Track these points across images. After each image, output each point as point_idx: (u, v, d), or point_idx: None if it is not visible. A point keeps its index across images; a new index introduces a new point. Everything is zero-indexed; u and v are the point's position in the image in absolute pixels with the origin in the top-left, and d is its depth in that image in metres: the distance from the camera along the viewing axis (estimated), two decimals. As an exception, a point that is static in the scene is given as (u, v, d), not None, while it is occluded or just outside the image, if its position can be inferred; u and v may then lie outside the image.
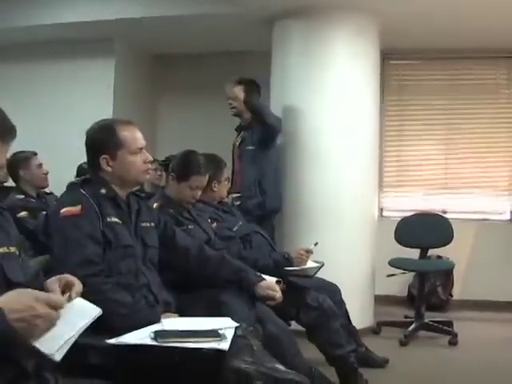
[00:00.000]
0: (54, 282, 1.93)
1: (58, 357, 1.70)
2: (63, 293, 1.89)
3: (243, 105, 5.29)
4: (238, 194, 5.16)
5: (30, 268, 2.13)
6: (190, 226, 3.54)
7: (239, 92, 5.30)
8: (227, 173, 4.30)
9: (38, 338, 1.66)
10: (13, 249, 1.99)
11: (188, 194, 3.63)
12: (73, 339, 1.75)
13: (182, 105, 7.35)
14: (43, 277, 2.09)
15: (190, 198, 3.65)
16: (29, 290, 1.72)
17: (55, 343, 1.70)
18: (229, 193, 5.03)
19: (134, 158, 2.73)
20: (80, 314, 1.82)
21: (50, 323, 1.66)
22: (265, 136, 5.20)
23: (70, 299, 1.85)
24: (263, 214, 5.06)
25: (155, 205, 3.47)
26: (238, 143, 5.43)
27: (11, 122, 1.98)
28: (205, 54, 6.99)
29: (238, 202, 5.07)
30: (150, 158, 2.81)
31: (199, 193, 3.69)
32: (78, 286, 1.93)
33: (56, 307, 1.69)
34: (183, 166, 3.65)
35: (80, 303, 1.87)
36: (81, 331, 1.78)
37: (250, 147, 5.28)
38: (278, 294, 2.99)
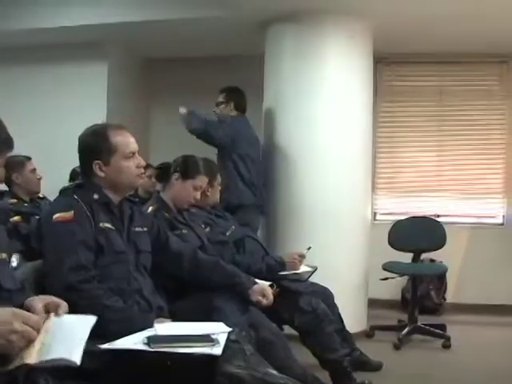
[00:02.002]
0: (36, 300, 1.92)
1: (77, 359, 1.71)
2: (47, 312, 1.87)
3: (223, 111, 5.52)
4: None
5: (18, 276, 2.13)
6: (184, 231, 3.55)
7: (221, 99, 5.56)
8: (220, 178, 4.30)
9: (15, 354, 1.66)
10: (4, 255, 1.99)
11: (191, 193, 3.68)
12: (83, 343, 1.77)
13: (176, 108, 7.32)
14: (28, 288, 2.10)
15: (191, 198, 3.70)
16: (9, 308, 1.71)
17: (73, 350, 1.72)
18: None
19: (127, 163, 2.72)
20: (80, 322, 1.86)
21: (26, 340, 1.66)
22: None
23: (57, 315, 1.86)
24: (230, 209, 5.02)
25: (150, 208, 3.48)
26: None
27: (8, 133, 1.97)
28: (198, 58, 6.99)
29: None
30: (143, 163, 2.80)
31: (199, 195, 3.72)
32: (65, 306, 1.90)
33: (33, 326, 1.68)
34: (189, 165, 3.71)
35: (73, 316, 1.90)
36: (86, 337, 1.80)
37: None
38: (268, 300, 2.99)
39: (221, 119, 5.52)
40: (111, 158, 2.69)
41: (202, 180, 3.72)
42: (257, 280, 3.14)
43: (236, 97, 5.53)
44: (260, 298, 2.98)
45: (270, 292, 3.03)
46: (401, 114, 7.08)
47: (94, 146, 2.70)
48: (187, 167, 3.69)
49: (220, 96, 5.56)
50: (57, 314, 1.83)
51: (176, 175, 3.67)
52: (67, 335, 1.77)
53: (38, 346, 1.69)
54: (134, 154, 2.75)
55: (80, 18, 5.95)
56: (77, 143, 2.76)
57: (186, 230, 3.57)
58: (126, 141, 2.74)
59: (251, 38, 5.86)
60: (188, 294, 3.08)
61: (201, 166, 3.74)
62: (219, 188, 4.28)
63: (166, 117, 7.34)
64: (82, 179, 2.79)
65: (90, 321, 1.87)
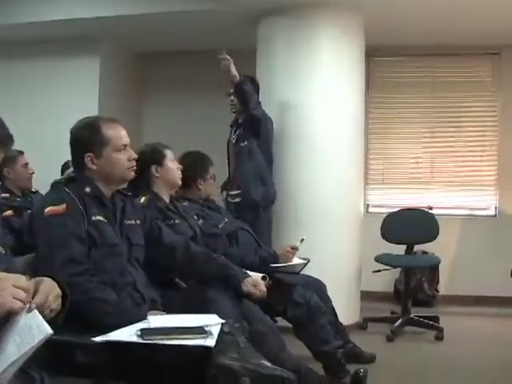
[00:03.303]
0: (30, 283, 1.79)
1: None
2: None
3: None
4: (238, 191, 5.17)
5: (17, 268, 2.11)
6: (177, 221, 3.54)
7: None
8: (213, 171, 4.30)
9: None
10: (-1, 248, 1.98)
11: (174, 169, 3.68)
12: (18, 362, 1.61)
13: (168, 102, 7.34)
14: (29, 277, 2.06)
15: (178, 171, 3.70)
16: None
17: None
18: (223, 189, 5.05)
19: (119, 156, 2.73)
20: (28, 333, 1.63)
21: (14, 301, 1.60)
22: (249, 126, 5.21)
23: (29, 310, 1.65)
24: (265, 206, 5.06)
25: (143, 199, 3.46)
26: (234, 141, 5.42)
27: (8, 131, 1.97)
28: (190, 52, 6.98)
29: (237, 199, 5.09)
30: (135, 156, 2.80)
31: (178, 164, 3.74)
32: (40, 296, 1.71)
33: (23, 289, 1.63)
34: (154, 153, 3.67)
35: (32, 320, 1.65)
36: (26, 355, 1.61)
37: (244, 143, 5.29)
38: (262, 292, 3.00)
39: (236, 110, 5.36)
40: (103, 150, 2.69)
41: (170, 153, 3.71)
42: (249, 272, 3.14)
43: (257, 87, 5.36)
44: (252, 288, 2.98)
45: (263, 285, 3.04)
46: (393, 107, 7.10)
47: (86, 138, 2.70)
48: (154, 155, 3.66)
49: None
50: (28, 309, 1.66)
51: (153, 168, 3.64)
52: (7, 347, 1.61)
53: None
54: (125, 146, 2.76)
55: (72, 11, 5.94)
56: (68, 137, 2.76)
57: (179, 220, 3.57)
58: (118, 133, 2.75)
59: (243, 32, 5.85)
60: (181, 287, 3.08)
61: (159, 144, 3.72)
62: (212, 181, 4.27)
63: (159, 111, 7.36)
64: (74, 172, 2.79)
65: (39, 336, 1.62)
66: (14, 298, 1.60)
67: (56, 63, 6.62)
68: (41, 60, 6.65)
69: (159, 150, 3.68)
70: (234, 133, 5.38)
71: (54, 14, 5.98)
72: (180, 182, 3.74)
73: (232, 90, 5.25)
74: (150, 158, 3.60)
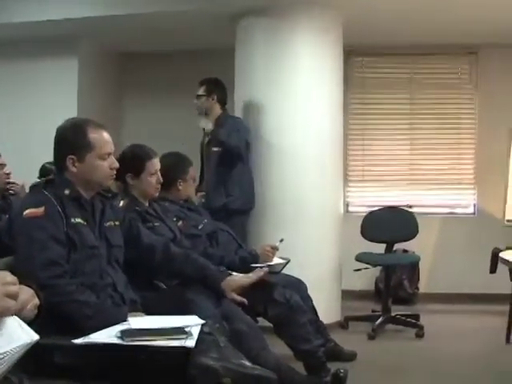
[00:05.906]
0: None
1: None
2: None
3: (205, 104, 5.36)
4: (204, 193, 5.20)
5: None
6: (156, 224, 3.54)
7: (201, 92, 5.41)
8: (193, 172, 4.30)
9: None
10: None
11: (152, 181, 3.61)
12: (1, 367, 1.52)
13: (148, 104, 7.31)
14: None
15: (156, 183, 3.63)
16: None
17: None
18: (197, 191, 5.05)
19: (101, 163, 2.72)
20: (10, 335, 1.55)
21: (7, 300, 1.55)
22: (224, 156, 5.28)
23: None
24: (228, 214, 5.08)
25: (122, 202, 3.45)
26: (205, 143, 5.46)
27: None
28: (170, 53, 6.97)
29: (203, 200, 5.11)
30: (116, 165, 2.79)
31: (160, 177, 3.67)
32: (16, 306, 1.63)
33: (13, 284, 1.57)
34: (133, 160, 3.60)
35: (15, 324, 1.58)
36: (9, 359, 1.53)
37: (216, 149, 5.32)
38: (253, 277, 3.01)
39: (200, 112, 5.46)
40: (86, 155, 2.68)
41: (153, 164, 3.62)
42: (231, 272, 3.15)
43: (218, 89, 5.42)
44: (234, 294, 2.99)
45: (244, 280, 3.06)
46: (371, 106, 7.13)
47: (72, 140, 2.69)
48: (133, 164, 3.59)
49: (200, 88, 5.43)
50: None
51: (129, 176, 3.60)
52: None
53: None
54: (109, 154, 2.75)
55: (50, 12, 5.90)
56: (48, 139, 2.75)
57: (158, 222, 3.56)
58: (104, 140, 2.73)
59: (222, 33, 5.86)
60: (161, 288, 3.08)
61: (143, 153, 3.63)
62: (192, 182, 4.27)
63: (138, 112, 7.32)
64: (54, 173, 2.78)
65: (23, 339, 1.57)
66: (6, 296, 1.55)
67: (34, 64, 6.56)
68: (17, 61, 6.58)
69: (141, 159, 3.60)
70: (207, 135, 5.40)
71: (32, 14, 5.94)
72: (156, 194, 3.71)
73: (199, 93, 5.40)
74: (127, 165, 3.48)
